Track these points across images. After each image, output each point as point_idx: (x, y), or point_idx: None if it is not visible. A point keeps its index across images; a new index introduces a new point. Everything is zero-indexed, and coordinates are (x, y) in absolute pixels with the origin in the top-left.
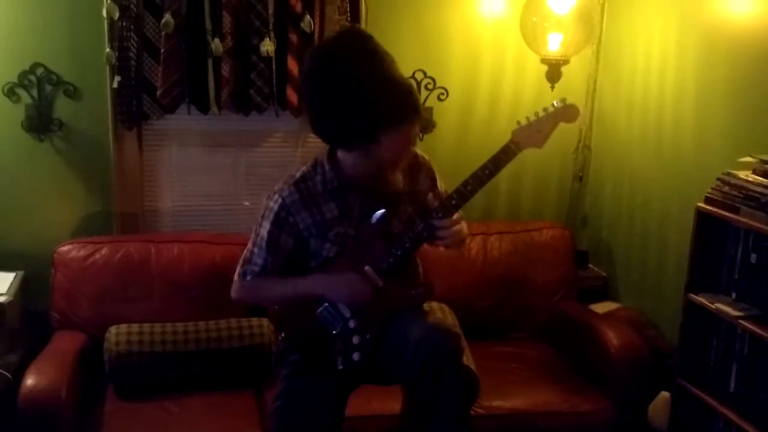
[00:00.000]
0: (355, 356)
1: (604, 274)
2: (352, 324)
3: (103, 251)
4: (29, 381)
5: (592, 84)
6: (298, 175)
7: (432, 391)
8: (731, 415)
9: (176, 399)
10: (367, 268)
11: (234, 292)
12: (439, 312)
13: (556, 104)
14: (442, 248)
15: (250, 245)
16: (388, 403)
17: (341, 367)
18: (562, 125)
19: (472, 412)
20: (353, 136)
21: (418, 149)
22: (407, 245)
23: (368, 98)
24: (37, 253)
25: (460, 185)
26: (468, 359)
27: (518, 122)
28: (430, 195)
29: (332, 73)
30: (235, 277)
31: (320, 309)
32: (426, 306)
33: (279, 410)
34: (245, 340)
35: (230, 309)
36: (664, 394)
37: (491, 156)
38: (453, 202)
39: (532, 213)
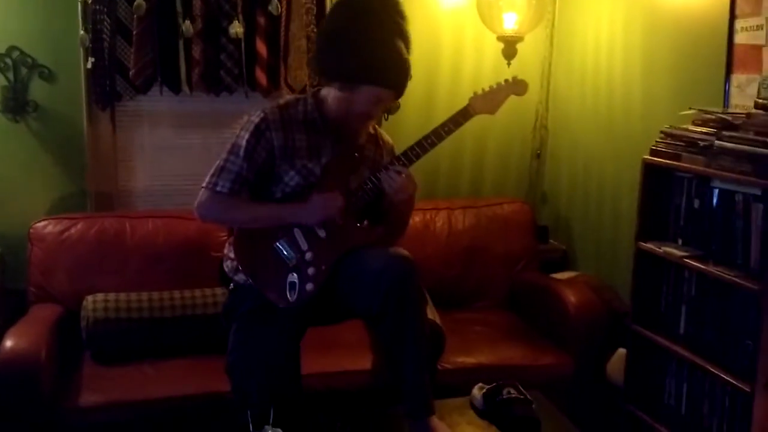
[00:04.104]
0: (309, 287)
1: (564, 247)
2: (308, 256)
3: (79, 226)
4: (8, 343)
5: (547, 66)
6: (281, 101)
7: (399, 315)
8: (684, 353)
9: (152, 363)
10: None
11: (200, 205)
12: None
13: (508, 79)
14: (393, 200)
15: (224, 155)
16: (359, 360)
17: (293, 299)
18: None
19: (438, 367)
20: (341, 70)
21: (385, 132)
22: (368, 186)
23: (367, 46)
24: (13, 232)
25: (422, 139)
26: (433, 314)
27: (475, 92)
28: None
29: (352, 9)
30: (204, 188)
31: (279, 240)
32: None
33: (233, 365)
34: (219, 308)
35: (205, 280)
36: (621, 352)
37: (450, 116)
38: (414, 153)
39: (494, 190)
